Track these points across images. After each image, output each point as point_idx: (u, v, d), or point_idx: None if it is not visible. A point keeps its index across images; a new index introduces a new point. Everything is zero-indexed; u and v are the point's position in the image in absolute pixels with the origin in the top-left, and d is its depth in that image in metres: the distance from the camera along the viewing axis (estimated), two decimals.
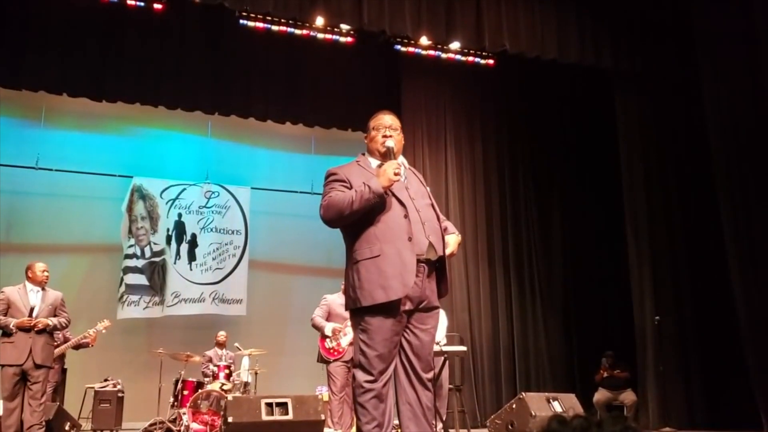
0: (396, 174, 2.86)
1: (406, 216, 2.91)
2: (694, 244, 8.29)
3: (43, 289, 5.61)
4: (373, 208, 2.90)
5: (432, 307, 2.99)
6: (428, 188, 3.18)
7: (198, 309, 8.85)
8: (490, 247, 9.05)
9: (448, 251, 3.03)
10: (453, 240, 3.08)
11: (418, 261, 2.89)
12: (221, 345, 7.62)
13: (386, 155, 3.00)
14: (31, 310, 5.46)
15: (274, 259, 9.70)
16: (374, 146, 3.09)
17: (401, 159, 3.15)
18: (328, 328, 5.92)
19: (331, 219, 2.95)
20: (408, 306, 2.89)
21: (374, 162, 3.07)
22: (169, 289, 8.79)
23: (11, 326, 5.34)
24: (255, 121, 9.15)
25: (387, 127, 3.09)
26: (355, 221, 2.94)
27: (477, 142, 9.25)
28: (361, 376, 2.87)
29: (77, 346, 6.86)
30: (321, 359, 6.08)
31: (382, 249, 2.86)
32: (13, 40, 7.88)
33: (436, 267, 3.01)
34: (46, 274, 5.63)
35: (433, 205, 3.08)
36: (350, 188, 2.94)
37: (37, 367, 5.36)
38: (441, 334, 6.12)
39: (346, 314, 5.38)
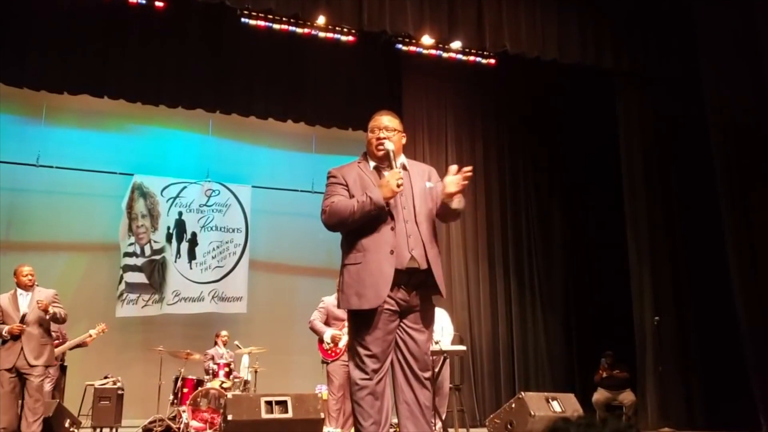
0: (399, 186, 2.87)
1: (393, 228, 2.93)
2: (694, 244, 8.30)
3: (32, 290, 5.66)
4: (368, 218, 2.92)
5: (427, 308, 2.99)
6: (429, 182, 3.11)
7: (197, 308, 8.85)
8: (489, 247, 9.05)
9: (447, 190, 2.96)
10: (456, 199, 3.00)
11: (401, 271, 2.89)
12: (222, 344, 7.60)
13: (384, 159, 3.00)
14: (23, 317, 5.53)
15: (275, 257, 9.70)
16: (370, 149, 3.08)
17: (402, 158, 3.14)
18: (328, 334, 5.90)
19: (333, 225, 3.00)
20: (396, 308, 2.91)
21: (372, 164, 3.07)
22: (170, 288, 8.79)
23: (4, 333, 5.44)
24: (256, 120, 9.15)
25: (383, 128, 3.06)
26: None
27: (478, 142, 9.25)
28: (355, 374, 2.92)
29: (76, 346, 6.90)
30: (325, 361, 6.07)
31: (365, 257, 2.90)
32: (14, 38, 7.88)
33: (427, 275, 2.97)
34: (30, 277, 5.68)
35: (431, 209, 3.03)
36: (348, 190, 2.97)
37: (31, 365, 5.42)
38: (447, 338, 6.13)
39: (345, 315, 5.38)
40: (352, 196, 2.96)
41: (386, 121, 3.09)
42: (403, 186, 2.90)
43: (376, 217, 2.92)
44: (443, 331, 6.07)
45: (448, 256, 8.67)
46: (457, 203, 3.01)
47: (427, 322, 2.99)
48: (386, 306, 2.88)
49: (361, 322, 2.91)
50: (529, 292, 9.16)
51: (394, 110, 3.23)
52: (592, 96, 9.34)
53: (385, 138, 3.03)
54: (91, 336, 6.79)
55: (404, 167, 3.11)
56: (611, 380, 8.07)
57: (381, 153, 3.02)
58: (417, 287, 2.94)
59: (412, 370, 2.92)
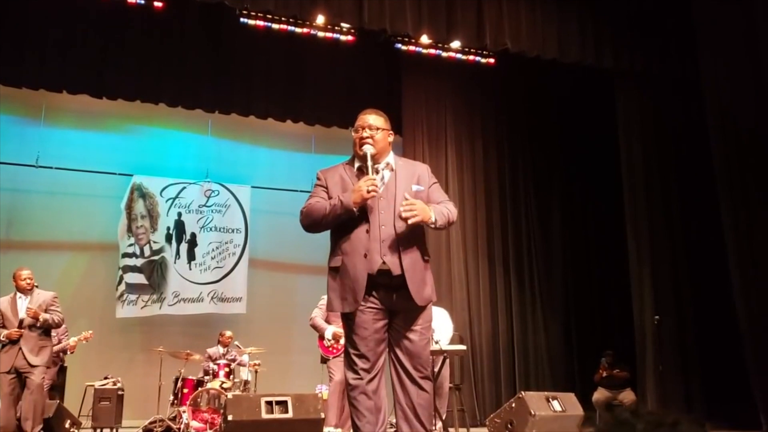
0: (370, 192, 2.83)
1: (368, 231, 2.93)
2: (694, 244, 8.30)
3: (31, 293, 5.68)
4: (346, 220, 2.93)
5: (415, 308, 2.96)
6: (417, 185, 3.03)
7: (197, 309, 8.83)
8: (489, 246, 9.05)
9: (407, 216, 2.84)
10: (420, 207, 2.87)
11: (373, 275, 2.88)
12: (225, 344, 7.58)
13: (364, 160, 2.97)
14: (21, 322, 5.58)
15: (274, 257, 9.69)
16: (355, 148, 3.06)
17: (390, 157, 3.10)
18: (329, 331, 5.89)
19: (308, 225, 3.07)
20: (380, 306, 2.92)
21: (357, 165, 3.05)
22: (169, 288, 8.78)
23: (2, 337, 5.50)
24: (255, 120, 9.14)
25: (366, 126, 3.02)
26: (333, 229, 3.03)
27: (477, 141, 9.24)
28: (348, 374, 2.97)
29: (62, 351, 6.91)
30: (323, 359, 6.07)
31: (343, 261, 2.95)
32: (13, 38, 7.87)
33: (406, 278, 2.91)
34: (28, 281, 5.73)
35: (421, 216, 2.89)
36: (327, 192, 3.00)
37: (32, 365, 5.45)
38: (446, 337, 6.11)
39: None
40: (331, 198, 2.98)
41: (371, 119, 3.05)
42: (375, 192, 2.85)
43: (355, 220, 2.92)
44: (442, 329, 6.05)
45: (448, 256, 8.67)
46: (432, 222, 2.90)
47: (419, 321, 2.96)
48: (369, 306, 2.91)
49: (348, 323, 2.97)
50: (529, 291, 9.16)
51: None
52: (592, 96, 9.33)
53: (368, 137, 2.99)
54: (70, 345, 6.79)
55: (390, 167, 3.06)
56: (611, 380, 8.06)
57: (361, 153, 3.00)
58: (398, 289, 2.92)
59: (405, 370, 2.94)
